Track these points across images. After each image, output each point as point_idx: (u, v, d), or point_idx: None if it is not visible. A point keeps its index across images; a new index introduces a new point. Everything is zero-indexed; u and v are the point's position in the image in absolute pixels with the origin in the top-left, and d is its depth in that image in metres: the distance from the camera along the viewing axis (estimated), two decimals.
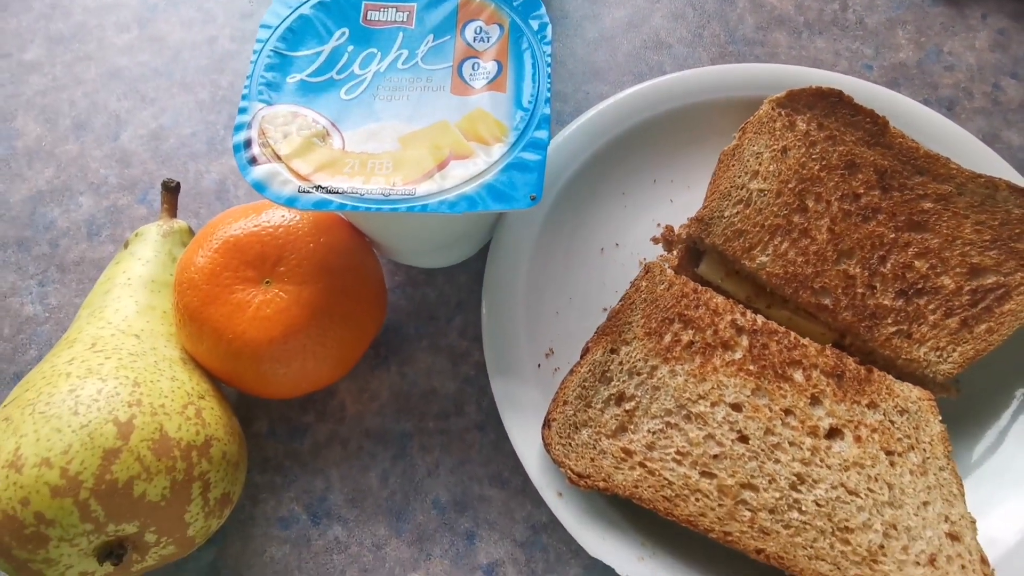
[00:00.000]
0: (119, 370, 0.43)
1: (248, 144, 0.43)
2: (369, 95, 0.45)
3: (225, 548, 0.52)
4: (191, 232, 0.56)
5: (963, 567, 0.43)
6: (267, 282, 0.47)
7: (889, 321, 0.50)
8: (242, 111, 0.44)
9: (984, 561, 0.43)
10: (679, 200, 0.59)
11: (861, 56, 0.67)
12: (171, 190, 0.56)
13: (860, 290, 0.51)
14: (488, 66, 0.46)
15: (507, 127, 0.44)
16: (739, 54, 0.67)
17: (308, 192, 0.41)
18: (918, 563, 0.43)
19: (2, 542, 0.39)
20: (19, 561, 0.39)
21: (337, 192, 0.41)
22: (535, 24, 0.47)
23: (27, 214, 0.62)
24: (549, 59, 0.46)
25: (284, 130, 0.43)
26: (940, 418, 0.47)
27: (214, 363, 0.48)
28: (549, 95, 0.44)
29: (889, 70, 0.67)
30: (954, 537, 0.44)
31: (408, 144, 0.43)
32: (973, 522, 0.44)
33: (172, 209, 0.56)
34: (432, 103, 0.45)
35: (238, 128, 0.43)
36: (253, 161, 0.42)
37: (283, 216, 0.49)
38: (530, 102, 0.44)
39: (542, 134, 0.43)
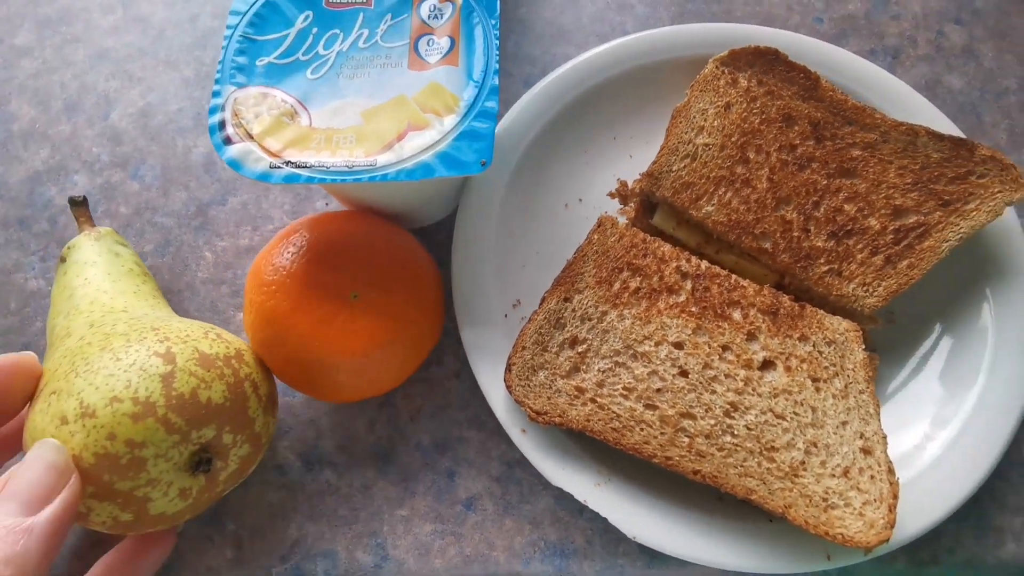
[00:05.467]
0: (130, 326, 0.46)
1: (222, 125, 0.46)
2: (333, 74, 0.49)
3: (227, 497, 0.55)
4: (116, 233, 0.58)
5: (872, 477, 0.47)
6: (355, 295, 0.49)
7: (822, 261, 0.54)
8: (216, 94, 0.47)
9: (891, 471, 0.47)
10: (638, 155, 0.62)
11: (812, 9, 0.69)
12: (79, 204, 0.58)
13: (796, 233, 0.54)
14: (442, 42, 0.49)
15: (459, 98, 0.47)
16: (698, 12, 0.69)
17: (279, 167, 0.45)
18: (833, 475, 0.48)
19: (102, 481, 0.41)
20: (124, 494, 0.42)
21: (305, 166, 0.45)
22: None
23: (26, 194, 0.64)
24: (497, 32, 0.49)
25: (255, 110, 0.47)
26: (863, 347, 0.51)
27: (288, 368, 0.50)
28: (497, 67, 0.48)
29: (839, 21, 0.69)
30: (867, 451, 0.48)
31: (370, 118, 0.47)
32: (884, 438, 0.49)
33: (89, 220, 0.58)
34: (391, 79, 0.48)
35: (213, 110, 0.47)
36: (228, 141, 0.46)
37: (367, 229, 0.52)
38: (480, 74, 0.48)
39: (491, 104, 0.47)
